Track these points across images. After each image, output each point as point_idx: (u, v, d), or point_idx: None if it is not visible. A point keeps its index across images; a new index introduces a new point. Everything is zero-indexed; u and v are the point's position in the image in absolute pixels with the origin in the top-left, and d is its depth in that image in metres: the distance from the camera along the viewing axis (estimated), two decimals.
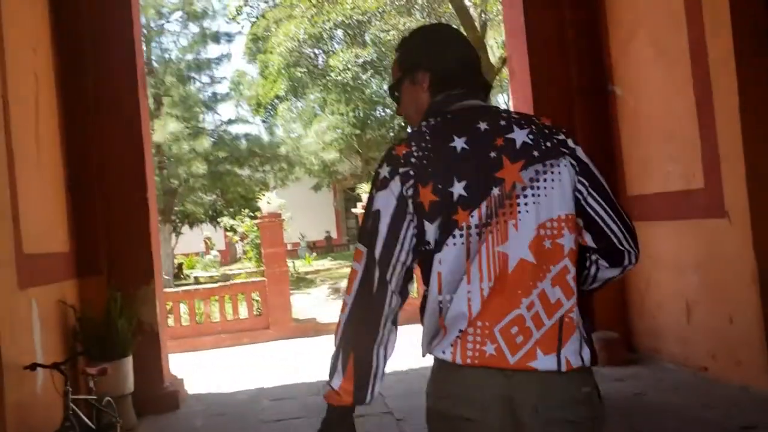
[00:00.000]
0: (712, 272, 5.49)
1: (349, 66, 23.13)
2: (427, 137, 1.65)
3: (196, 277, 20.99)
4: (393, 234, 1.59)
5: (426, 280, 1.62)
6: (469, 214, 1.56)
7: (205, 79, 18.69)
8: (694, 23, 5.32)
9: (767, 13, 4.97)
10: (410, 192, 1.58)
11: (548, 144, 1.64)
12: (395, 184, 1.60)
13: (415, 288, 6.81)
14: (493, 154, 1.61)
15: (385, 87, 26.20)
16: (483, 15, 17.66)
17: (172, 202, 17.79)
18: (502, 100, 25.69)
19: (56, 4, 5.96)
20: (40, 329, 4.89)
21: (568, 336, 1.55)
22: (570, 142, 1.67)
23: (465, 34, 2.02)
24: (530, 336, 1.53)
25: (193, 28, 18.02)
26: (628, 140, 6.56)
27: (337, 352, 1.68)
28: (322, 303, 14.43)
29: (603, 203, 1.67)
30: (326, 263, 23.08)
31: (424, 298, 1.64)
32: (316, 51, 26.01)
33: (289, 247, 26.72)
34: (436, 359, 1.61)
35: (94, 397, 4.73)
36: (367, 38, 24.55)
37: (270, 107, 27.58)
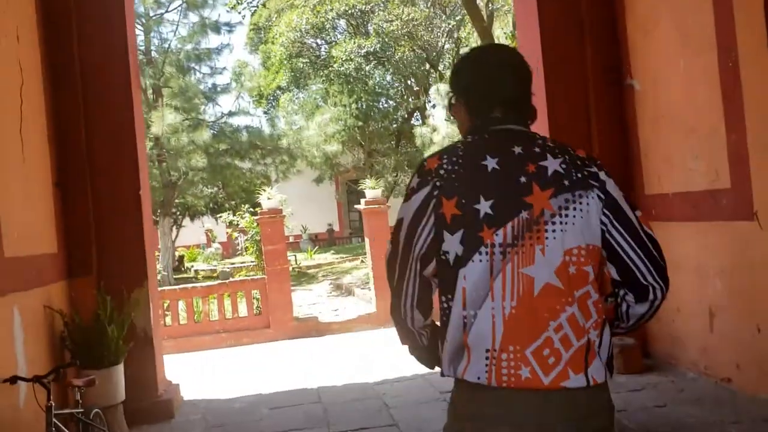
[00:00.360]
0: (738, 278, 5.17)
1: (352, 56, 22.76)
2: (460, 152, 1.73)
3: (196, 270, 20.75)
4: (408, 241, 1.71)
5: (448, 294, 1.67)
6: (494, 232, 1.63)
7: (206, 69, 18.35)
8: (723, 9, 4.97)
9: None
10: (434, 202, 1.67)
11: (579, 175, 1.70)
12: (419, 195, 1.70)
13: None
14: (523, 179, 1.67)
15: (389, 77, 25.90)
16: (490, 5, 17.27)
17: (171, 195, 17.49)
18: None
19: None
20: (22, 338, 4.59)
21: (592, 357, 1.64)
22: (602, 175, 1.73)
23: (514, 54, 1.92)
24: (560, 357, 1.61)
25: (193, 17, 17.69)
26: (646, 135, 6.23)
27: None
28: (324, 300, 14.14)
29: (627, 236, 1.71)
30: (328, 257, 22.81)
31: (445, 313, 1.69)
32: (319, 41, 25.65)
33: (291, 239, 26.58)
34: (466, 383, 1.66)
35: (81, 410, 4.43)
36: (371, 28, 24.16)
37: (272, 98, 27.24)
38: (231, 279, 10.92)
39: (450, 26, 23.23)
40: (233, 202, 20.58)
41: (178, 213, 23.63)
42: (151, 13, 16.76)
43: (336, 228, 30.79)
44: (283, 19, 24.00)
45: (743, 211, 4.96)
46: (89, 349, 5.26)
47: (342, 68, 23.02)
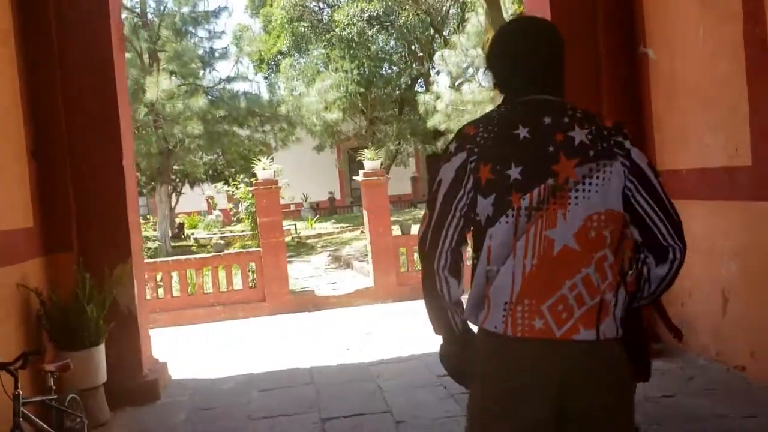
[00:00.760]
0: (755, 261, 4.85)
1: (355, 21, 22.19)
2: (495, 122, 1.86)
3: (196, 239, 20.51)
4: (448, 201, 1.83)
5: (477, 251, 1.84)
6: (521, 197, 1.76)
7: (203, 33, 17.82)
8: None
9: None
10: (472, 166, 1.81)
11: (604, 144, 1.81)
12: (458, 158, 1.84)
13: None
14: (551, 148, 1.79)
15: (392, 43, 25.31)
16: None
17: (168, 162, 17.12)
18: None
19: None
20: None
21: (605, 315, 1.77)
22: (627, 144, 1.83)
23: (538, 26, 2.02)
24: (573, 313, 1.74)
25: None
26: (661, 108, 5.85)
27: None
28: (322, 273, 13.87)
29: (650, 201, 1.81)
30: (329, 226, 22.53)
31: (473, 269, 1.86)
32: (321, 4, 25.03)
33: (292, 207, 26.31)
34: (486, 331, 1.81)
35: (54, 396, 4.17)
36: None
37: (272, 63, 26.70)
38: (225, 252, 10.58)
39: None
40: (233, 170, 20.19)
41: (177, 180, 23.29)
42: None
43: (337, 196, 30.47)
44: None
45: (764, 190, 4.62)
46: (67, 330, 4.99)
47: (344, 33, 22.48)
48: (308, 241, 19.65)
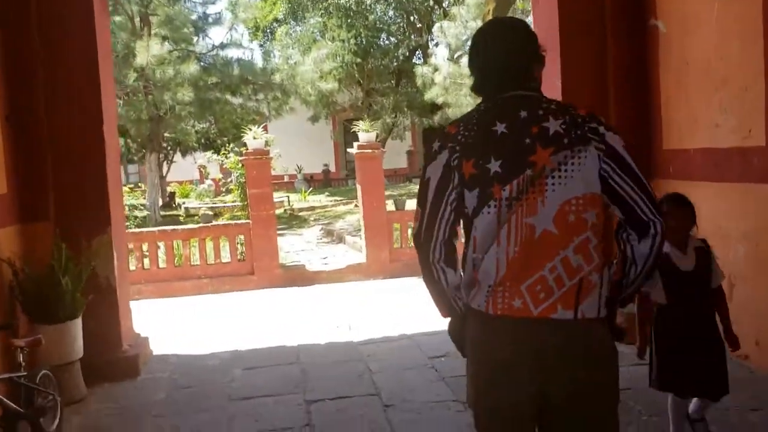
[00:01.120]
0: (764, 245, 4.65)
1: None
2: (475, 120, 1.99)
3: (186, 208, 20.21)
4: (439, 196, 1.96)
5: (467, 241, 1.98)
6: (502, 188, 1.89)
7: None
8: None
9: None
10: (455, 163, 1.94)
11: (578, 132, 1.90)
12: (442, 156, 1.97)
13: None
14: (528, 141, 1.90)
15: (390, 13, 24.80)
16: None
17: (158, 129, 16.74)
18: None
19: None
20: None
21: (586, 295, 1.86)
22: (601, 129, 1.92)
23: (506, 27, 2.14)
24: (552, 294, 1.85)
25: None
26: (669, 84, 5.59)
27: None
28: (313, 247, 13.62)
29: (628, 179, 1.90)
30: (323, 199, 22.24)
31: (464, 255, 2.00)
32: None
33: (286, 179, 25.98)
34: (473, 309, 1.97)
35: (23, 374, 3.95)
36: None
37: (268, 31, 26.16)
38: (213, 223, 10.30)
39: None
40: (225, 139, 19.80)
41: (168, 148, 22.90)
42: None
43: (332, 169, 30.13)
44: None
45: None
46: (42, 303, 4.75)
47: (342, 1, 21.95)
48: (301, 213, 19.38)
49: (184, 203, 22.11)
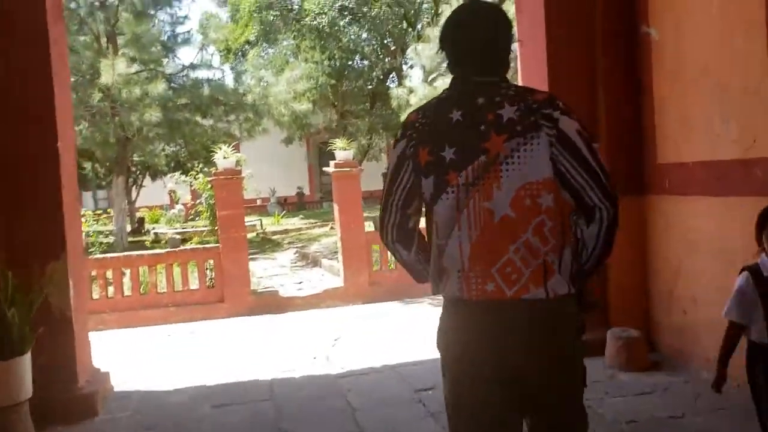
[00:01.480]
0: None
1: (326, 10, 21.45)
2: (433, 108, 2.07)
3: (156, 233, 19.59)
4: (392, 183, 2.09)
5: (429, 228, 2.09)
6: (457, 175, 1.97)
7: (165, 17, 16.87)
8: None
9: None
10: (411, 151, 2.03)
11: (532, 118, 1.94)
12: (401, 144, 2.08)
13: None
14: (483, 127, 1.97)
15: (364, 35, 24.61)
16: None
17: (125, 152, 16.18)
18: None
19: None
20: None
21: (551, 274, 1.95)
22: (555, 114, 1.95)
23: (474, 10, 2.10)
24: (522, 275, 1.93)
25: None
26: (663, 93, 5.32)
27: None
28: (287, 271, 13.13)
29: (575, 164, 1.94)
30: (297, 222, 21.78)
31: (429, 244, 2.10)
32: None
33: (258, 202, 25.47)
34: (447, 298, 2.05)
35: None
36: None
37: (239, 53, 25.82)
38: (181, 248, 9.79)
39: None
40: (196, 162, 19.29)
41: (137, 172, 22.29)
42: None
43: (306, 191, 29.70)
44: None
45: None
46: None
47: (315, 23, 21.73)
48: (274, 237, 18.88)
49: (153, 229, 21.47)
